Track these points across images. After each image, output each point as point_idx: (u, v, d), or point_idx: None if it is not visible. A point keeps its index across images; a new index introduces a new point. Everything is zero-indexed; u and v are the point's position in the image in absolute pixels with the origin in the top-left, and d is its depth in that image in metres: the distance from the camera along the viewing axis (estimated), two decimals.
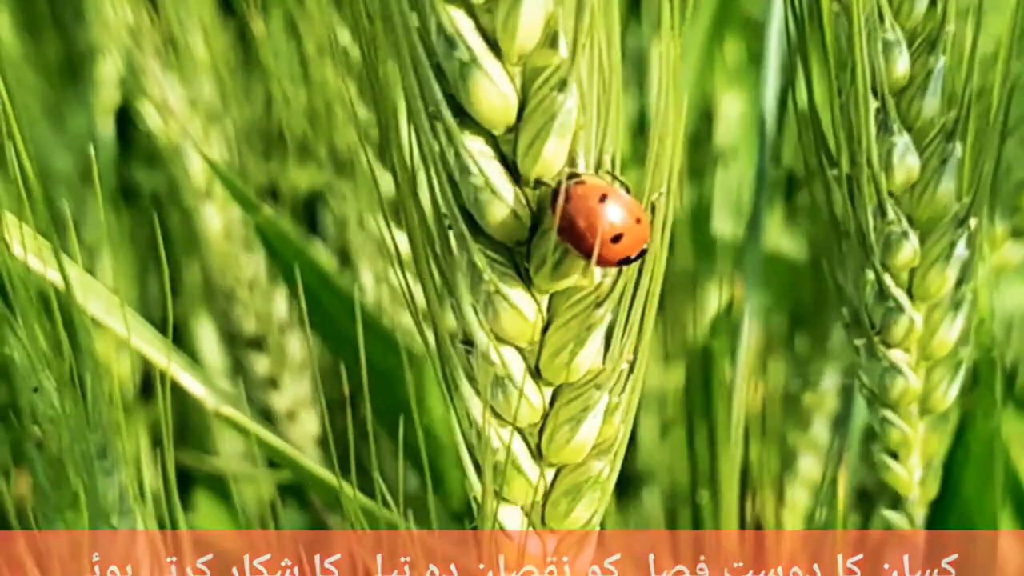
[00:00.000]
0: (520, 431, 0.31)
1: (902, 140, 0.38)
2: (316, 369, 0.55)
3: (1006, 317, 0.56)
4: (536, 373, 0.31)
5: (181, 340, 0.64)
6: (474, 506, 0.32)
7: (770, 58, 0.50)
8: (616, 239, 0.29)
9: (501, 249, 0.30)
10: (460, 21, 0.28)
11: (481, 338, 0.30)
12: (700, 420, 0.51)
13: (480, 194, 0.29)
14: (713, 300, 0.69)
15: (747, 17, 0.69)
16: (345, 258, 0.52)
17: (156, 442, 0.35)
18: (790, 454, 0.59)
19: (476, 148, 0.29)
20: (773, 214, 0.64)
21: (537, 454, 0.32)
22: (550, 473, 0.32)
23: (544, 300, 0.30)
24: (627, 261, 0.29)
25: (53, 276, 0.37)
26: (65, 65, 0.64)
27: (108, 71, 0.64)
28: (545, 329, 0.31)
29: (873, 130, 0.38)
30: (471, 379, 0.31)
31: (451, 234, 0.30)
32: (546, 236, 0.29)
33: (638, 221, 0.29)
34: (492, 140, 0.29)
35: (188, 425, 0.60)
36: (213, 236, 0.54)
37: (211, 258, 0.54)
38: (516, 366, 0.31)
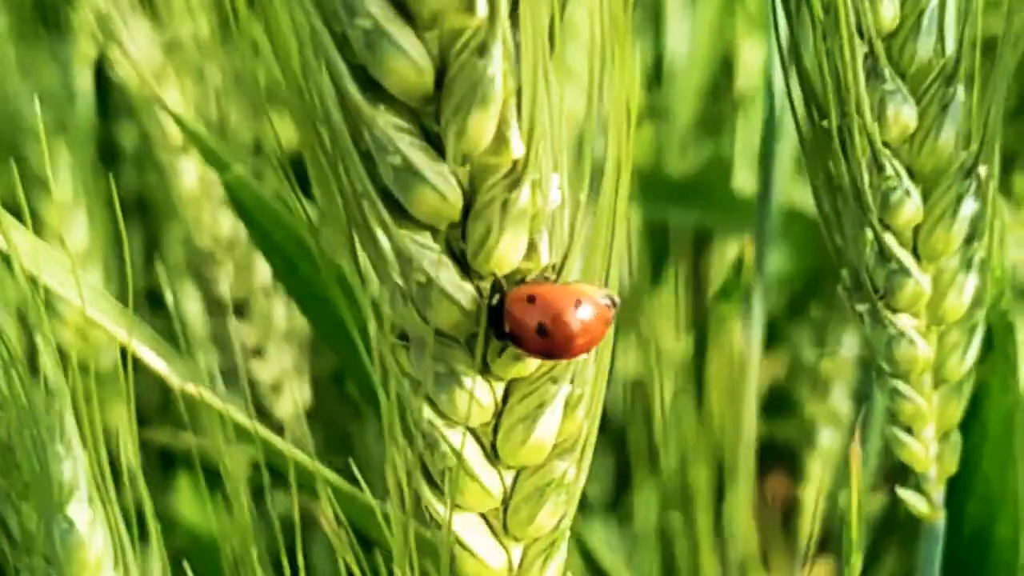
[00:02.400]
0: (472, 431, 0.28)
1: (894, 86, 0.35)
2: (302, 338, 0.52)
3: None
4: (484, 368, 0.28)
5: (162, 307, 0.61)
6: (426, 515, 0.29)
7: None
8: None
9: (432, 234, 0.27)
10: None
11: (415, 332, 0.27)
12: (710, 391, 0.47)
13: (400, 175, 0.26)
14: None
15: None
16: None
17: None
18: (808, 426, 0.56)
19: (393, 124, 0.26)
20: (787, 166, 0.60)
21: (493, 456, 0.29)
22: (509, 476, 0.29)
23: (484, 285, 0.27)
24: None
25: None
26: (40, 10, 0.61)
27: (86, 18, 0.61)
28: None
29: (862, 77, 0.35)
30: (411, 378, 0.28)
31: (372, 220, 0.27)
32: (481, 215, 0.26)
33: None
34: (411, 114, 0.26)
35: (169, 400, 0.57)
36: (190, 194, 0.50)
37: (188, 217, 0.50)
38: (460, 360, 0.28)
